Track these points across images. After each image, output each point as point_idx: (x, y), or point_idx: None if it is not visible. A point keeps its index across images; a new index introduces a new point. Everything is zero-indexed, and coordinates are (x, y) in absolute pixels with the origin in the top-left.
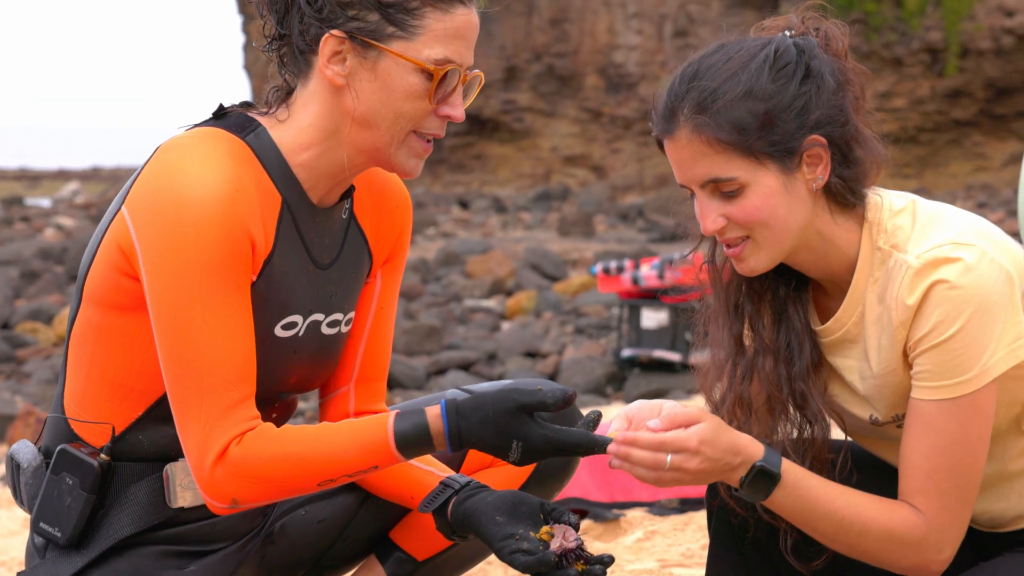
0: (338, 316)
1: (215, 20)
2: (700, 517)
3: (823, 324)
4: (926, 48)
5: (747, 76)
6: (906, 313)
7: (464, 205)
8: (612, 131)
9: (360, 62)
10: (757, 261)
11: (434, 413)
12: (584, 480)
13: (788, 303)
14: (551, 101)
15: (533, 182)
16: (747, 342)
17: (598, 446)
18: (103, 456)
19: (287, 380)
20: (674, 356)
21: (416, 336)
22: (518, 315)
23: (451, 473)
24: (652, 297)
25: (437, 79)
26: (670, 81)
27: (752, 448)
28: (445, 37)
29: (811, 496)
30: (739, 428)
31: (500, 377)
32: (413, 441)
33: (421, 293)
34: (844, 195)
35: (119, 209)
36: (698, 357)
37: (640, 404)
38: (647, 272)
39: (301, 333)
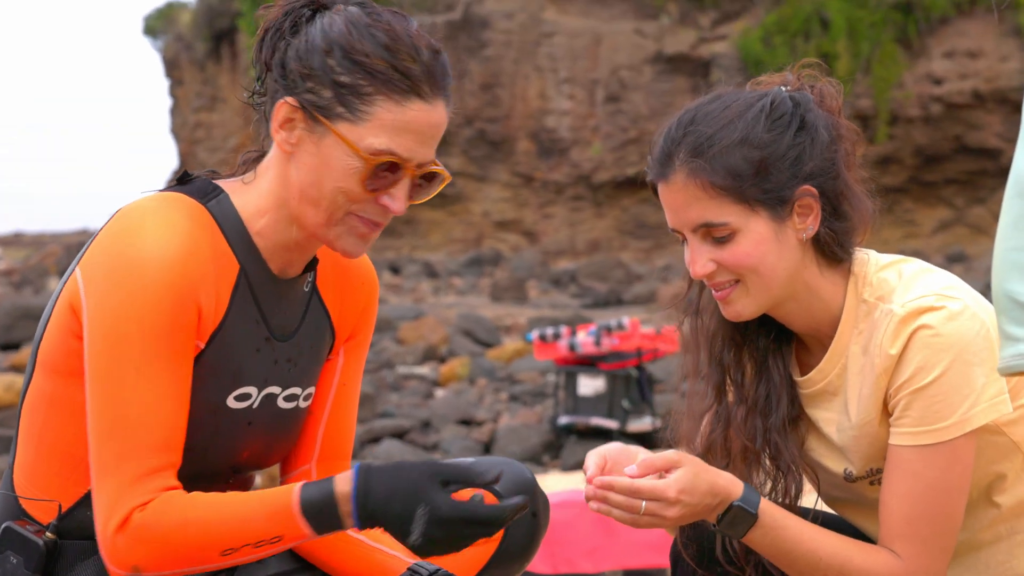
0: (296, 390)
1: (143, 84)
2: None
3: (804, 376)
4: (856, 115)
5: (743, 124)
6: (888, 362)
7: (395, 270)
8: (544, 196)
9: (307, 134)
10: (744, 306)
11: (344, 476)
12: None
13: (769, 355)
14: (482, 166)
15: (465, 247)
16: (729, 396)
17: (514, 517)
18: (48, 534)
19: (240, 454)
20: (611, 423)
21: None
22: (452, 382)
23: (417, 560)
24: (589, 364)
25: (369, 169)
26: (667, 126)
27: (731, 488)
28: (393, 129)
29: (789, 536)
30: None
31: (435, 447)
32: (318, 506)
33: None
34: (832, 248)
35: (74, 270)
36: (676, 408)
37: (615, 445)
38: (584, 339)
39: (255, 405)
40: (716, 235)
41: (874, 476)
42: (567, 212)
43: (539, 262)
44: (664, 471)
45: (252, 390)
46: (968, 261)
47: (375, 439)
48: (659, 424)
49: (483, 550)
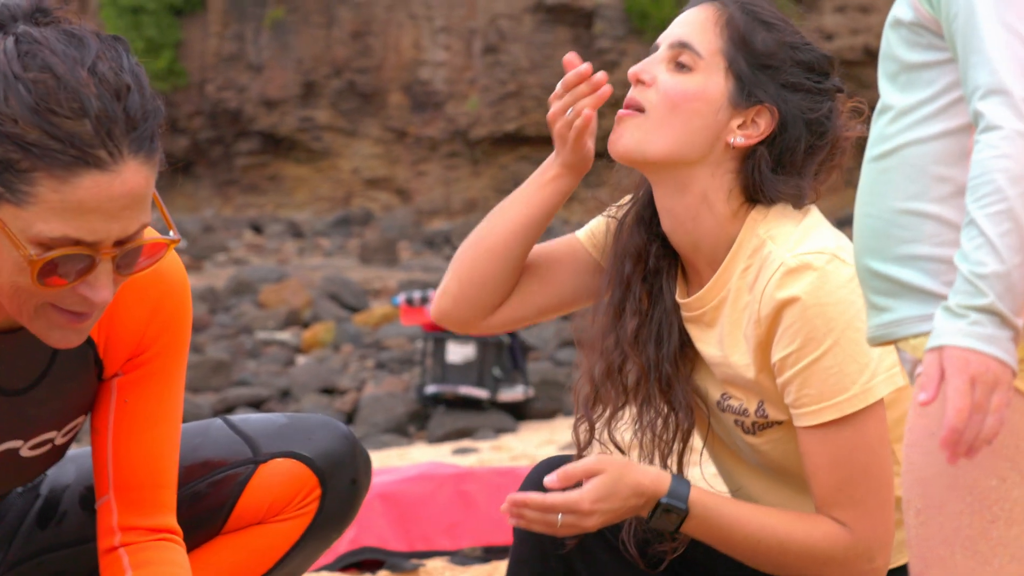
0: (50, 435)
1: None
2: (504, 566)
3: (685, 300)
4: None
5: (790, 30)
6: (772, 308)
7: (257, 229)
8: (417, 152)
9: None
10: (631, 139)
11: None
12: (381, 527)
13: (660, 275)
14: (352, 119)
15: (332, 205)
16: (626, 309)
17: None
18: None
19: None
20: (481, 393)
21: (202, 371)
22: (315, 348)
23: None
24: None
25: (35, 269)
26: None
27: (657, 485)
28: (65, 211)
29: (724, 523)
30: (614, 409)
31: None
32: None
33: (209, 324)
34: (751, 183)
35: None
36: (584, 329)
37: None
38: None
39: None
40: (681, 59)
41: (737, 415)
42: (442, 170)
43: (411, 222)
44: (586, 477)
45: None
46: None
47: (229, 409)
48: (532, 393)
49: (299, 520)
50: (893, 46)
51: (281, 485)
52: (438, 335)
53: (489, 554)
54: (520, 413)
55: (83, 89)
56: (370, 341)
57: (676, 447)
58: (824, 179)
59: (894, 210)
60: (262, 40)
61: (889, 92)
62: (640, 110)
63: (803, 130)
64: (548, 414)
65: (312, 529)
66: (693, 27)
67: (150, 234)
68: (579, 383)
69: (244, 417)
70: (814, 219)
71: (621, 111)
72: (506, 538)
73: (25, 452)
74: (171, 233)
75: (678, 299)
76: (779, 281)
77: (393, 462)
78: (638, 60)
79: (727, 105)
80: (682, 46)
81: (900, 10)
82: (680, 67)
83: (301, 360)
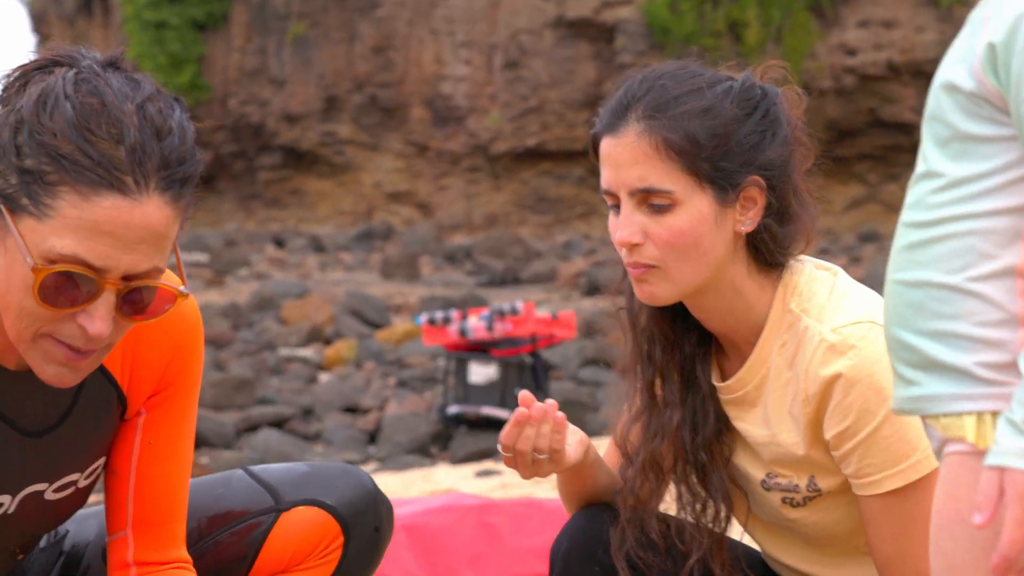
0: (73, 477)
1: (6, 41)
2: None
3: (723, 383)
4: None
5: (712, 95)
6: (819, 386)
7: (280, 244)
8: (439, 166)
9: None
10: (661, 289)
11: None
12: (406, 560)
13: (696, 361)
14: (374, 134)
15: (354, 220)
16: (659, 392)
17: None
18: None
19: (9, 547)
20: (503, 413)
21: (225, 389)
22: (337, 365)
23: None
24: (480, 350)
25: (42, 279)
26: (629, 80)
27: None
28: (80, 229)
29: None
30: (651, 492)
31: (316, 436)
32: None
33: (231, 340)
34: (768, 250)
35: None
36: (614, 409)
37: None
38: (475, 324)
39: (12, 510)
40: (655, 202)
41: (786, 492)
42: (463, 184)
43: (433, 237)
44: None
45: (2, 499)
46: (880, 240)
47: (252, 428)
48: None
49: (322, 569)
50: (947, 112)
51: (304, 533)
52: (460, 355)
53: None
54: None
55: (125, 119)
56: (392, 358)
57: (707, 539)
58: (807, 172)
59: (932, 283)
60: (284, 55)
61: (938, 158)
62: (652, 267)
63: (784, 167)
64: None
65: (339, 572)
66: (639, 166)
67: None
68: (622, 470)
69: (265, 467)
70: (842, 283)
71: (634, 270)
72: (530, 570)
73: (50, 495)
74: (182, 287)
75: (715, 383)
76: (822, 358)
77: (416, 484)
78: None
79: (720, 210)
80: (646, 192)
81: (958, 76)
82: (657, 208)
83: (323, 377)
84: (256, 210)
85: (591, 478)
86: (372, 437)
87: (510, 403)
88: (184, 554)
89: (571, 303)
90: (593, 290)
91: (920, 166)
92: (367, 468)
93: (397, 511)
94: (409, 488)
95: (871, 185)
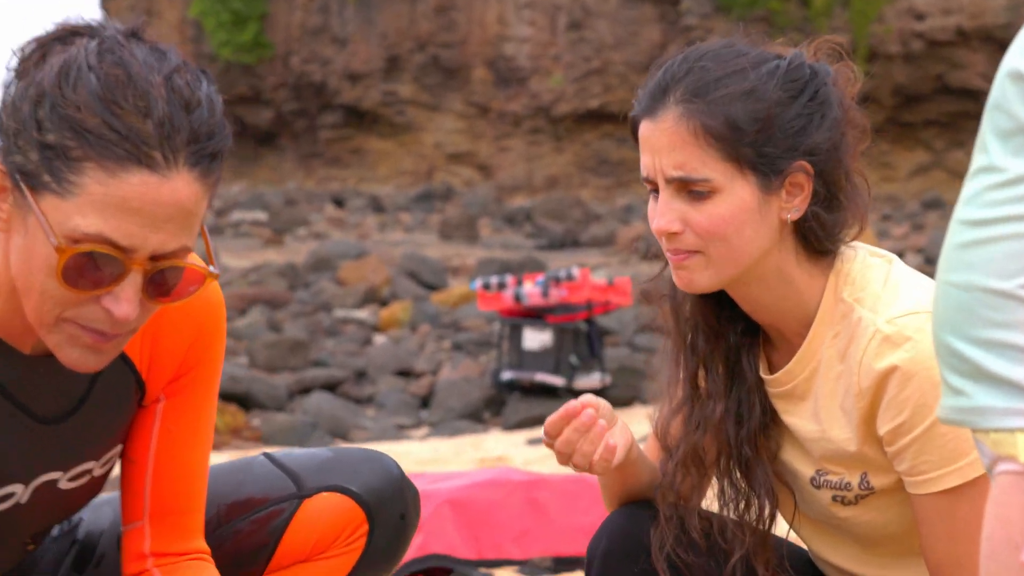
0: (88, 465)
1: None
2: None
3: (771, 375)
4: None
5: (756, 76)
6: (873, 379)
7: (339, 203)
8: (500, 128)
9: (17, 209)
10: (701, 276)
11: None
12: (449, 534)
13: (741, 352)
14: (435, 94)
15: (414, 180)
16: (702, 383)
17: None
18: None
19: (22, 538)
20: (557, 380)
21: (280, 350)
22: (392, 328)
23: None
24: (535, 316)
25: (66, 260)
26: (669, 59)
27: None
28: (106, 207)
29: None
30: (692, 487)
31: (369, 400)
32: None
33: (288, 301)
34: (816, 237)
35: None
36: (653, 399)
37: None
38: (530, 289)
39: (24, 500)
40: (694, 189)
41: (837, 490)
42: (524, 146)
43: (493, 198)
44: None
45: (16, 488)
46: (944, 207)
47: (305, 390)
48: (608, 381)
49: (346, 557)
50: (1011, 101)
51: (327, 521)
52: (515, 321)
53: (559, 565)
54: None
55: (153, 91)
56: (448, 321)
57: (750, 536)
58: (860, 155)
59: (986, 288)
60: (347, 14)
61: (999, 152)
62: (695, 252)
63: (834, 152)
64: (625, 402)
65: (360, 566)
66: (676, 152)
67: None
68: (662, 464)
69: (287, 452)
70: (897, 271)
71: (674, 256)
72: (577, 548)
73: (64, 484)
74: (212, 268)
75: (763, 375)
76: (877, 351)
77: (466, 450)
78: (725, 38)
79: (764, 197)
80: (683, 181)
81: None
82: (698, 195)
83: (378, 339)
84: (316, 169)
85: (633, 476)
86: (424, 402)
87: (564, 370)
88: (203, 544)
89: (629, 267)
90: (652, 255)
91: (979, 159)
92: (418, 433)
93: (444, 484)
94: (459, 455)
95: (936, 151)
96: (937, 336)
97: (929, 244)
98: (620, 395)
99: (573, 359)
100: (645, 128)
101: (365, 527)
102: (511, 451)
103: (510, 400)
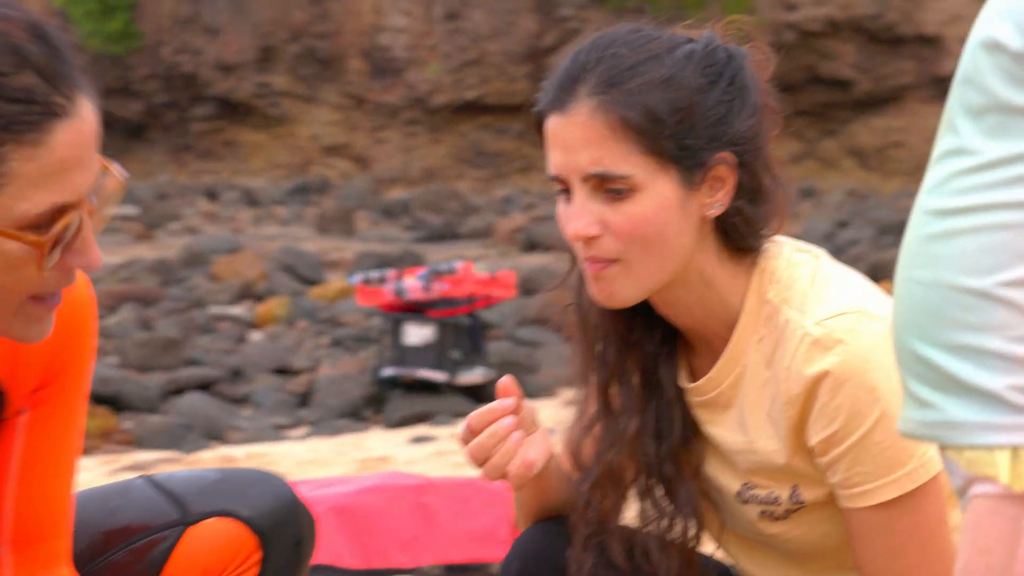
0: None
1: None
2: None
3: (692, 383)
4: None
5: (672, 62)
6: (803, 385)
7: (212, 197)
8: (377, 119)
9: None
10: (621, 287)
11: None
12: (335, 542)
13: (659, 362)
14: (310, 85)
15: (289, 173)
16: (614, 398)
17: None
18: None
19: None
20: (439, 376)
21: (152, 349)
22: (268, 324)
23: None
24: (416, 311)
25: (45, 250)
26: (575, 48)
27: None
28: (47, 177)
29: None
30: (611, 508)
31: (244, 399)
32: None
33: (160, 298)
34: (739, 234)
35: None
36: (567, 419)
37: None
38: (411, 283)
39: None
40: (612, 187)
41: (765, 505)
42: (401, 137)
43: (370, 191)
44: None
45: None
46: (818, 196)
47: (179, 390)
48: (492, 376)
49: None
50: (985, 74)
51: (214, 549)
52: (396, 316)
53: (451, 572)
54: (479, 396)
55: (15, 36)
56: (325, 317)
57: (677, 555)
58: (770, 142)
59: (957, 286)
60: (219, 3)
61: (971, 132)
62: (613, 260)
63: (755, 140)
64: None
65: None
66: (593, 148)
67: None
68: (578, 484)
69: (169, 474)
70: (826, 267)
71: (591, 266)
72: (468, 555)
73: None
74: (116, 172)
75: (683, 384)
76: (806, 355)
77: (348, 450)
78: (600, 29)
79: (686, 193)
80: (602, 178)
81: (1004, 32)
82: (615, 194)
83: (254, 336)
84: (188, 162)
85: (550, 490)
86: (303, 400)
87: (446, 365)
88: (71, 572)
89: (509, 259)
90: (531, 246)
91: (947, 140)
92: (297, 433)
93: (328, 491)
94: (340, 455)
95: (809, 141)
96: (899, 340)
97: (804, 233)
98: None
99: (455, 354)
100: (554, 124)
101: (258, 555)
102: (394, 451)
103: (391, 397)
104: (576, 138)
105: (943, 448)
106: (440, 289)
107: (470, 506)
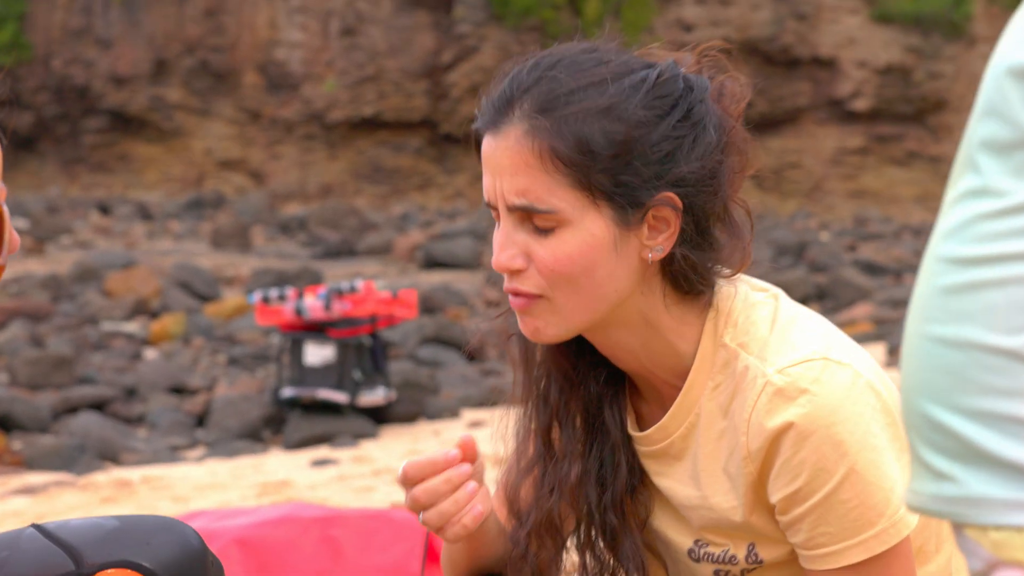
0: None
1: None
2: None
3: (641, 431)
4: None
5: (616, 90)
6: (763, 440)
7: (105, 211)
8: (272, 134)
9: None
10: (547, 324)
11: None
12: None
13: (604, 404)
14: (205, 99)
15: (184, 187)
16: (555, 440)
17: None
18: None
19: None
20: (341, 396)
21: (42, 367)
22: (164, 341)
23: None
24: (317, 330)
25: None
26: (518, 65)
27: None
28: None
29: None
30: (549, 561)
31: (140, 419)
32: None
33: (51, 314)
34: (686, 280)
35: None
36: (505, 453)
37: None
38: (312, 302)
39: None
40: (538, 224)
41: (719, 564)
42: (297, 152)
43: (266, 206)
44: None
45: None
46: None
47: (71, 409)
48: (394, 396)
49: None
50: (1013, 104)
51: None
52: (296, 335)
53: None
54: (381, 417)
55: None
56: (222, 334)
57: None
58: (739, 184)
59: (983, 345)
60: (112, 15)
61: (996, 171)
62: (537, 296)
63: (709, 182)
64: (410, 418)
65: None
66: (519, 176)
67: None
68: (513, 532)
69: (62, 523)
70: (786, 310)
71: (515, 300)
72: None
73: None
74: None
75: (631, 432)
76: (767, 406)
77: (247, 473)
78: (498, 47)
79: (621, 233)
80: (526, 210)
81: None
82: (542, 231)
83: (149, 354)
84: (80, 175)
85: (485, 546)
86: (200, 420)
87: (348, 386)
88: None
89: (408, 276)
90: (430, 264)
91: (967, 179)
92: (194, 454)
93: (230, 522)
94: (239, 479)
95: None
96: (911, 404)
97: None
98: (404, 411)
99: (357, 374)
100: (487, 145)
101: None
102: (294, 474)
103: (291, 418)
104: (504, 164)
105: (961, 526)
106: (341, 309)
107: (379, 539)
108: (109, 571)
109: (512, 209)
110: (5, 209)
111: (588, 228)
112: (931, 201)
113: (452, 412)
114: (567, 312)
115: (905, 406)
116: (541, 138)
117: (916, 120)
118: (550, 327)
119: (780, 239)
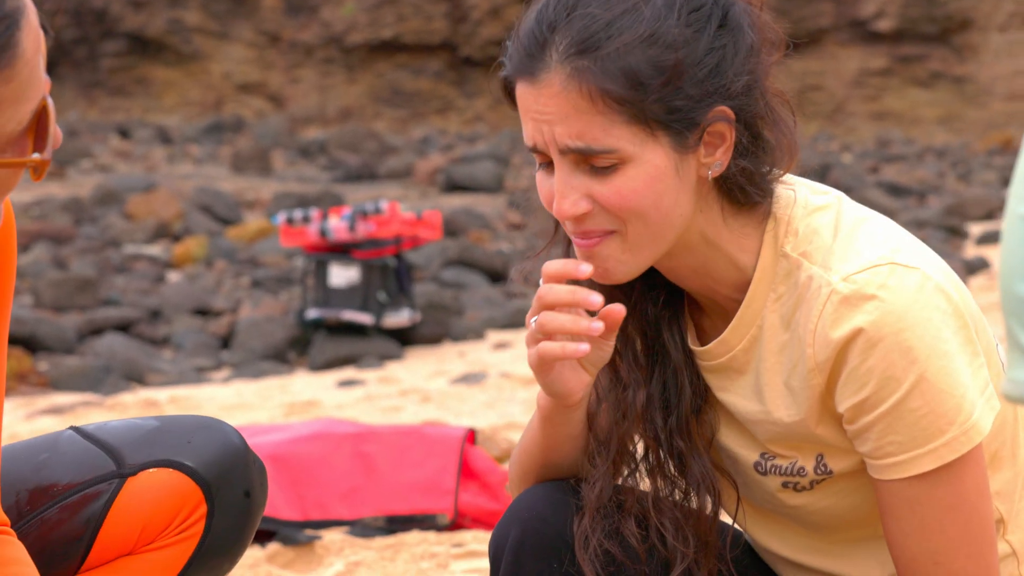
0: None
1: None
2: (411, 540)
3: (703, 346)
4: None
5: (652, 13)
6: (830, 350)
7: (124, 134)
8: (292, 57)
9: None
10: (619, 264)
11: None
12: (271, 493)
13: (662, 326)
14: (223, 22)
15: (203, 111)
16: (621, 368)
17: None
18: None
19: None
20: (365, 318)
21: (66, 289)
22: (186, 264)
23: None
24: (341, 252)
25: (32, 158)
26: (539, 4)
27: None
28: (23, 89)
29: None
30: (624, 484)
31: (165, 341)
32: None
33: (73, 237)
34: (744, 191)
35: None
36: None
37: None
38: (336, 224)
39: None
40: (597, 164)
41: (787, 476)
42: (317, 76)
43: (285, 130)
44: None
45: None
46: None
47: (96, 331)
48: (418, 318)
49: (181, 547)
50: None
51: (156, 503)
52: (320, 256)
53: (393, 524)
54: (405, 339)
55: None
56: (245, 257)
57: (693, 531)
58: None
59: None
60: None
61: None
62: (610, 232)
63: (754, 85)
64: (435, 339)
65: (197, 557)
66: (571, 121)
67: None
68: (590, 453)
69: (102, 424)
70: (849, 213)
71: (585, 241)
72: (410, 506)
73: None
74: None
75: (692, 346)
76: (833, 316)
77: (274, 394)
78: None
79: (680, 158)
80: (583, 152)
81: None
82: (599, 170)
83: (172, 276)
84: (99, 99)
85: (569, 437)
86: (225, 342)
87: (372, 307)
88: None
89: (428, 200)
90: (451, 187)
91: None
92: (220, 375)
93: (261, 438)
94: (266, 399)
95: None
96: (1009, 288)
97: None
98: (429, 332)
99: (381, 296)
100: (525, 94)
101: (203, 509)
102: (321, 394)
103: (316, 339)
104: (551, 111)
105: None
106: (366, 230)
107: (412, 455)
108: (151, 470)
109: (566, 152)
110: (50, 101)
111: (650, 160)
112: (955, 122)
113: (477, 334)
114: (639, 247)
115: (1002, 291)
116: (588, 81)
117: (941, 40)
118: (620, 266)
119: (802, 161)
